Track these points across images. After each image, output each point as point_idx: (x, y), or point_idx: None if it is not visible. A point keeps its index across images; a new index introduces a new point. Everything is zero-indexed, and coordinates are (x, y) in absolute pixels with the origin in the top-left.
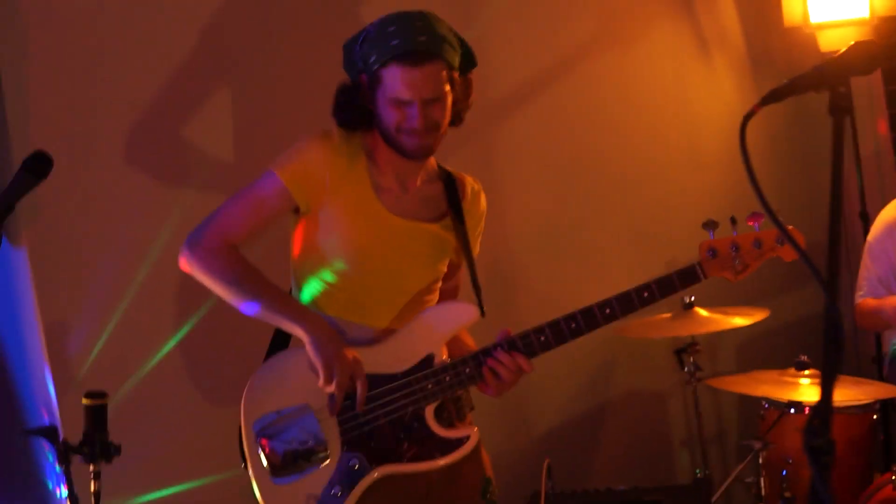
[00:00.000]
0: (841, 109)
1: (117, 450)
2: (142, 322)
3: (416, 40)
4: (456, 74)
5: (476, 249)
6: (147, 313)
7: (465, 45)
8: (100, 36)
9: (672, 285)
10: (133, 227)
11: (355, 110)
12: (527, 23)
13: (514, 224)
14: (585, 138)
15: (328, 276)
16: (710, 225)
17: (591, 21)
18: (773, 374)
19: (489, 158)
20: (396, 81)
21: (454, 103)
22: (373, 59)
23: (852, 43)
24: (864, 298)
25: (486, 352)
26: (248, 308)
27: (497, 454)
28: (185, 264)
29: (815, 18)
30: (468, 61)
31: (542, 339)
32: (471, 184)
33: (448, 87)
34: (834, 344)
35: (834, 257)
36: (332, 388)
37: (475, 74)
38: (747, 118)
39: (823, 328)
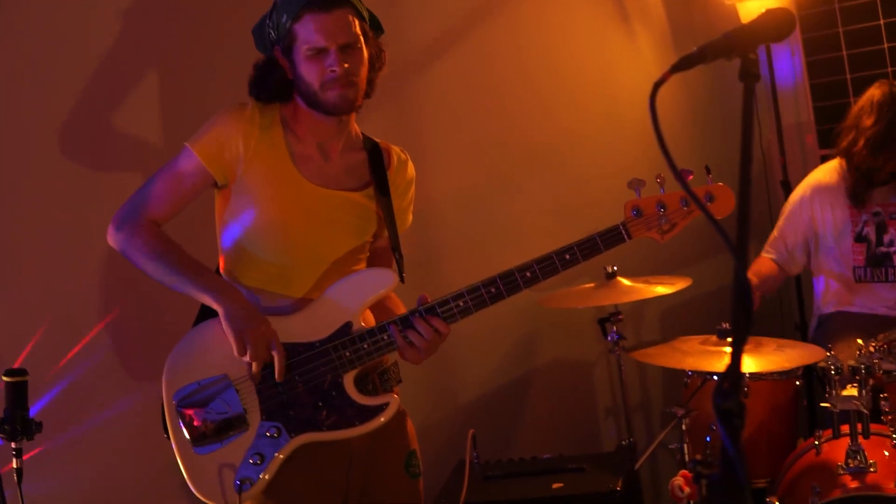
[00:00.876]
0: (751, 75)
1: (38, 427)
2: (68, 303)
3: None
4: (367, 27)
5: (409, 219)
6: (73, 295)
7: (370, 12)
8: (20, 23)
9: (595, 247)
10: (61, 211)
11: (272, 83)
12: None
13: (436, 192)
14: (507, 108)
15: (248, 246)
16: (635, 183)
17: None
18: (695, 343)
19: (410, 126)
20: (310, 31)
21: (370, 63)
22: (284, 18)
23: (763, 10)
24: (763, 255)
25: (405, 319)
26: (167, 282)
27: (423, 425)
28: (111, 240)
29: None
30: (376, 27)
31: (462, 303)
32: (397, 153)
33: (361, 37)
34: (744, 308)
35: (743, 223)
36: (247, 359)
37: (394, 47)
38: (657, 86)
39: (732, 293)
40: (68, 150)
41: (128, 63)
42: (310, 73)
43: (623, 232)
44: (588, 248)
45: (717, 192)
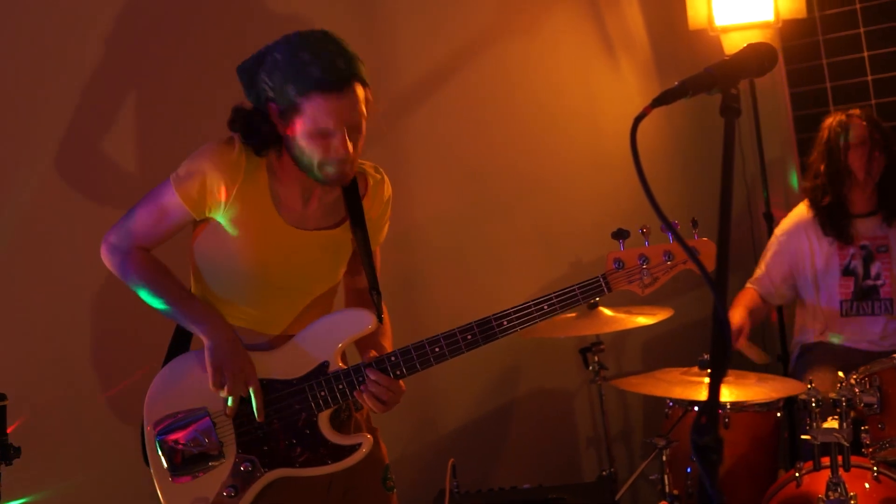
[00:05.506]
0: (731, 110)
1: (17, 452)
2: (44, 323)
3: (336, 66)
4: (369, 91)
5: (384, 233)
6: (52, 316)
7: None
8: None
9: (574, 298)
10: (35, 230)
11: (263, 136)
12: (430, 23)
13: (421, 218)
14: (491, 138)
15: (226, 284)
16: (619, 235)
17: (498, 21)
18: (676, 373)
19: (394, 158)
20: (319, 111)
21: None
22: (291, 90)
23: (744, 45)
24: (748, 287)
25: (381, 360)
26: (158, 308)
27: (403, 454)
28: (106, 262)
29: (719, 21)
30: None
31: (437, 349)
32: (371, 175)
33: (365, 108)
34: (722, 343)
35: (723, 258)
36: (223, 393)
37: (378, 75)
38: (638, 120)
39: (712, 328)
40: (45, 162)
41: (107, 84)
42: (312, 149)
43: (603, 284)
44: (567, 299)
45: (701, 247)
